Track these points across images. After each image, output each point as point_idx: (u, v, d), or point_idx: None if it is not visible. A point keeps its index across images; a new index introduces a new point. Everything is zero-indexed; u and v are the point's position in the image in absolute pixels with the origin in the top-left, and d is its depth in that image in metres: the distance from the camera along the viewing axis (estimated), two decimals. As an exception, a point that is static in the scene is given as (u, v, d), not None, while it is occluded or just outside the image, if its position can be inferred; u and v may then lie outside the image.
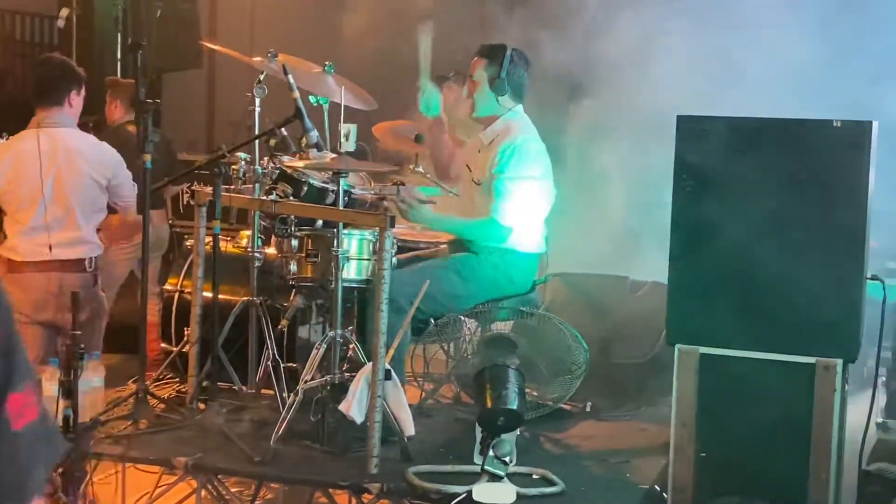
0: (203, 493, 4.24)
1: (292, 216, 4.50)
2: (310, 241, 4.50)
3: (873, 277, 3.87)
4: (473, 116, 5.05)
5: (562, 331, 4.74)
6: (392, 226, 4.05)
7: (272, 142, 4.65)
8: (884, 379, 5.30)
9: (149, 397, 4.51)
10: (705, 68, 5.75)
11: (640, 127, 5.76)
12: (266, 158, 4.74)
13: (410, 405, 4.27)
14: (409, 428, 4.16)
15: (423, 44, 5.21)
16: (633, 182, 6.06)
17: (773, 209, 3.79)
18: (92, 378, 4.40)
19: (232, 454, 4.14)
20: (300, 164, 4.55)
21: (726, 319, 3.84)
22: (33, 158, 4.91)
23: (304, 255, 4.50)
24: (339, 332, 4.28)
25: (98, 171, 5.07)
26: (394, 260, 4.29)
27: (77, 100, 5.10)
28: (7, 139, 5.34)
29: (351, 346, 4.34)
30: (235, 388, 4.69)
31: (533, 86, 5.14)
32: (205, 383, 4.54)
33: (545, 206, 4.96)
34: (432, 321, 4.71)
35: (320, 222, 4.56)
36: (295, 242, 4.51)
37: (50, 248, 4.93)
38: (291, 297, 4.64)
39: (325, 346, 4.28)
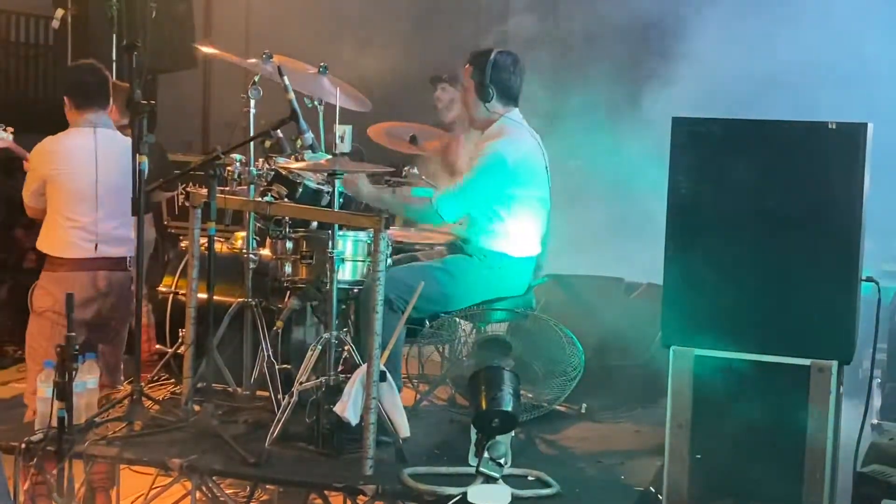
0: (198, 494, 4.24)
1: (287, 217, 4.51)
2: (304, 242, 4.50)
3: (868, 279, 3.87)
4: (472, 124, 5.05)
5: (557, 332, 4.74)
6: (387, 227, 4.05)
7: (267, 143, 4.65)
8: (879, 381, 5.32)
9: (143, 399, 4.50)
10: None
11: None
12: (261, 160, 4.73)
13: (405, 407, 4.27)
14: (404, 429, 4.15)
15: None
16: (632, 181, 6.08)
17: (768, 211, 3.79)
18: (87, 379, 4.40)
19: (227, 456, 4.13)
20: (295, 165, 4.55)
21: (721, 321, 3.84)
22: (89, 155, 5.01)
23: (298, 256, 4.51)
24: (334, 333, 4.28)
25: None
26: (388, 260, 4.29)
27: (111, 106, 5.29)
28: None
29: (346, 348, 4.34)
30: (230, 389, 4.68)
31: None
32: (199, 385, 4.53)
33: (538, 211, 4.92)
34: (427, 322, 4.71)
35: (315, 223, 4.56)
36: (290, 244, 4.51)
37: (97, 246, 4.98)
38: (286, 299, 4.64)
39: (319, 347, 4.28)
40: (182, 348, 4.67)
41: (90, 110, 5.10)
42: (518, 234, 4.82)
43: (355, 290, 4.49)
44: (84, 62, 5.43)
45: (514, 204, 4.79)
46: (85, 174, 4.98)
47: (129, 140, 5.30)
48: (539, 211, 4.92)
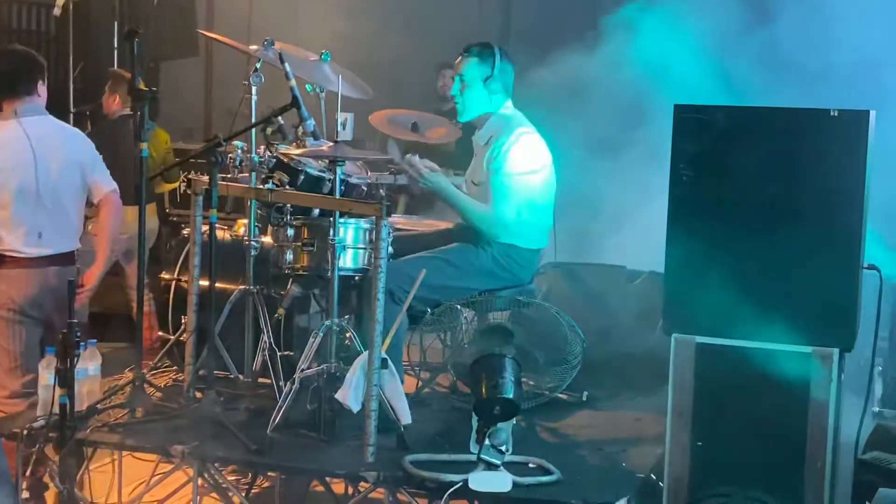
0: (199, 481, 4.24)
1: (288, 205, 4.50)
2: (306, 229, 4.50)
3: (870, 266, 3.86)
4: (463, 120, 5.03)
5: (559, 320, 4.74)
6: (389, 215, 4.04)
7: (269, 130, 4.64)
8: (880, 368, 5.32)
9: (146, 386, 4.50)
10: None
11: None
12: (262, 147, 4.73)
13: (407, 394, 4.27)
14: (406, 417, 4.16)
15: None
16: (631, 169, 6.08)
17: (771, 198, 3.78)
18: (89, 366, 4.40)
19: (229, 443, 4.14)
20: (297, 152, 4.54)
21: (723, 309, 3.84)
22: (24, 149, 4.83)
23: (300, 243, 4.51)
24: (336, 320, 4.28)
25: (80, 157, 5.04)
26: (390, 249, 4.28)
27: (43, 89, 5.03)
28: None
29: (348, 335, 4.34)
30: (232, 376, 4.69)
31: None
32: (201, 372, 4.54)
33: (548, 200, 4.95)
34: (429, 310, 4.72)
35: (317, 211, 4.56)
36: (291, 231, 4.51)
37: (43, 242, 4.87)
38: (288, 286, 4.64)
39: (321, 334, 4.29)
40: (184, 336, 4.68)
41: (12, 100, 4.90)
42: (529, 225, 4.82)
43: (357, 278, 4.49)
44: (4, 49, 5.28)
45: (528, 194, 4.80)
46: (23, 168, 4.81)
47: (66, 125, 5.20)
48: (548, 201, 4.93)
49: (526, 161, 4.80)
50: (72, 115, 8.60)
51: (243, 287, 4.67)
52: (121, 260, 7.16)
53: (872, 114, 3.75)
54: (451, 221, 5.15)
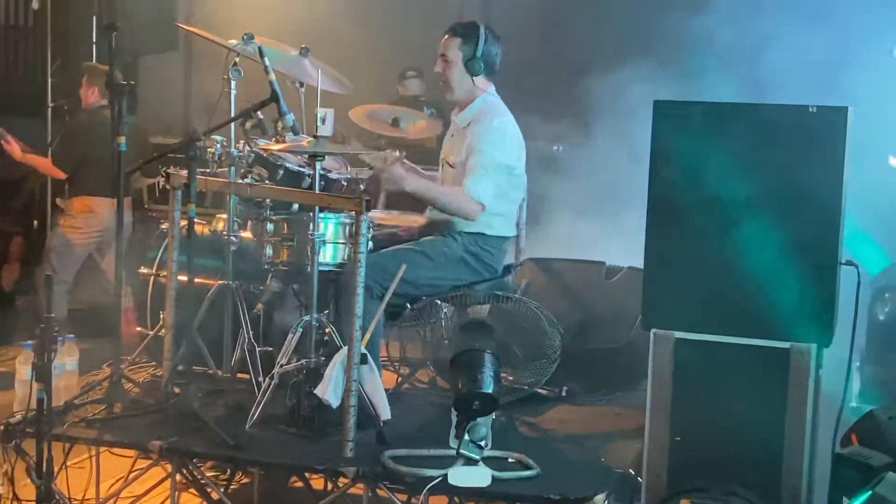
0: (178, 477, 4.23)
1: (268, 200, 4.49)
2: (286, 224, 4.49)
3: (848, 262, 3.88)
4: (451, 100, 5.01)
5: (538, 315, 4.74)
6: (368, 210, 4.04)
7: (248, 125, 4.62)
8: (858, 364, 5.34)
9: (124, 381, 4.48)
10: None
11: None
12: (242, 142, 4.71)
13: (386, 389, 4.27)
14: (385, 412, 4.16)
15: None
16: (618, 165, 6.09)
17: (749, 194, 3.79)
18: (66, 361, 4.38)
19: (207, 438, 4.12)
20: (276, 147, 4.53)
21: (702, 304, 3.85)
22: None
23: (279, 238, 4.50)
24: (315, 316, 4.27)
25: None
26: (369, 244, 4.27)
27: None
28: None
29: (327, 331, 4.33)
30: (211, 372, 4.68)
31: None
32: (180, 367, 4.52)
33: (518, 191, 4.96)
34: (408, 306, 4.71)
35: (296, 206, 4.55)
36: (270, 226, 4.50)
37: None
38: (267, 282, 4.62)
39: (300, 330, 4.28)
40: (162, 331, 4.66)
41: None
42: (498, 214, 4.82)
43: (336, 273, 4.48)
44: None
45: (503, 181, 4.80)
46: None
47: None
48: (519, 193, 4.94)
49: (506, 149, 4.80)
50: (49, 109, 8.56)
51: (222, 282, 4.66)
52: (94, 255, 7.16)
53: (850, 110, 3.77)
54: (424, 217, 5.13)
